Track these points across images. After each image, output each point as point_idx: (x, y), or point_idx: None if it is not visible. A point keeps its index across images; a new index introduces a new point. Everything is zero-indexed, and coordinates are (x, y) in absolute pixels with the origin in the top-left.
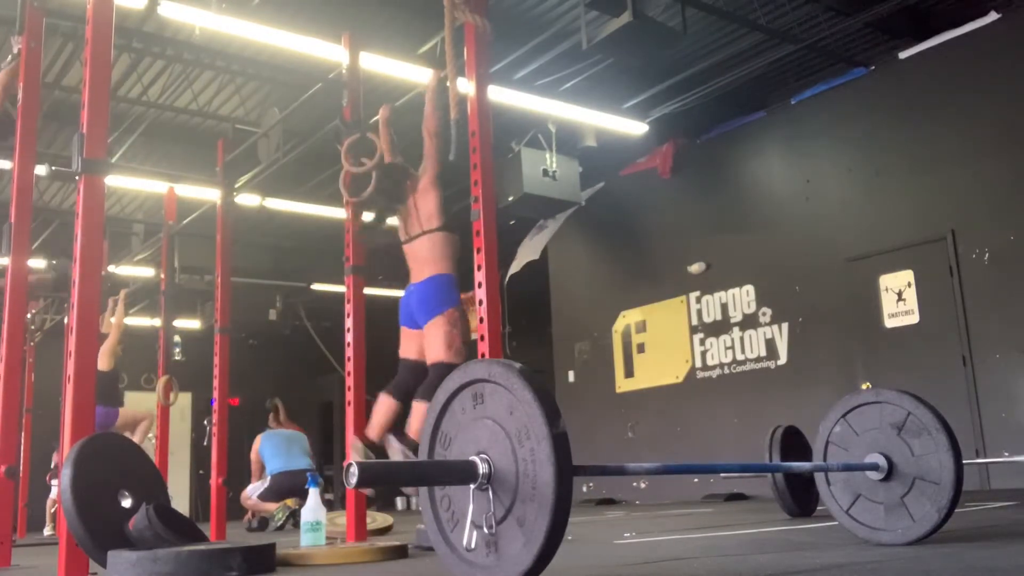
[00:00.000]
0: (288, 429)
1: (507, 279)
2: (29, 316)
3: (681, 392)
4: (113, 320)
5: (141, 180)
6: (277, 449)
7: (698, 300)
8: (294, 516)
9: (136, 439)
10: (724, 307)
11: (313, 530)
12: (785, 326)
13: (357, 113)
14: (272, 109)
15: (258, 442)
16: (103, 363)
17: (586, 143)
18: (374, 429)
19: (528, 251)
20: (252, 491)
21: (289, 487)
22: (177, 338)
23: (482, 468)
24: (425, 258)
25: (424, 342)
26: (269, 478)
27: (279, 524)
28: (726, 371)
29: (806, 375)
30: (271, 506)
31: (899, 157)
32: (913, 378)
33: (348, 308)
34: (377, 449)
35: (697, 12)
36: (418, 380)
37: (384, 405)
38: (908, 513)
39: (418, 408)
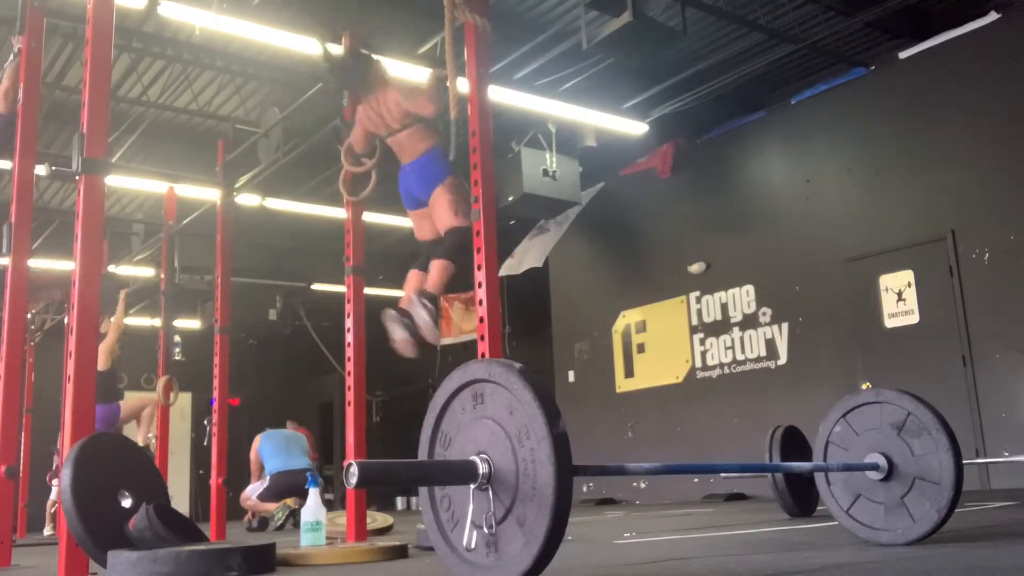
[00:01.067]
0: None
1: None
2: (29, 316)
3: (681, 392)
4: (112, 320)
5: (141, 180)
6: (276, 449)
7: (698, 300)
8: (294, 516)
9: (142, 426)
10: (724, 307)
11: (313, 530)
12: (785, 326)
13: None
14: (272, 109)
15: (257, 442)
16: (100, 362)
17: (586, 143)
18: (406, 298)
19: (530, 256)
20: (251, 491)
21: (288, 487)
22: (177, 338)
23: (482, 468)
24: (412, 144)
25: (432, 215)
26: (268, 478)
27: (279, 524)
28: (726, 371)
29: (806, 375)
30: (271, 506)
31: (899, 157)
32: (913, 378)
33: (348, 308)
34: (409, 315)
35: (697, 12)
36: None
37: (413, 276)
38: (908, 513)
39: (436, 264)
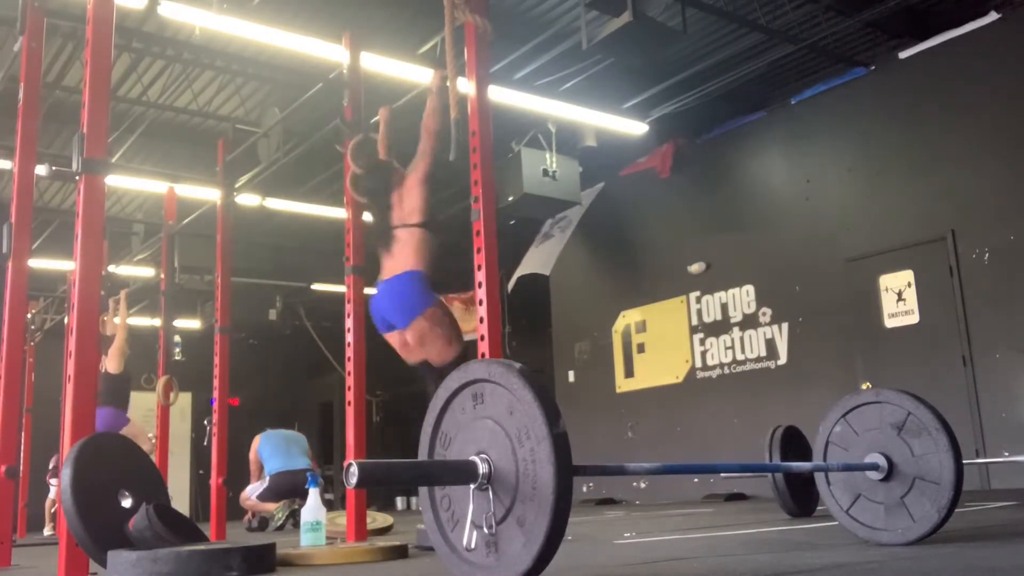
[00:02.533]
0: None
1: (511, 286)
2: (29, 316)
3: (681, 392)
4: (117, 321)
5: (141, 180)
6: (276, 449)
7: (698, 300)
8: (294, 516)
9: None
10: (724, 307)
11: (313, 530)
12: (785, 326)
13: (358, 113)
14: (272, 109)
15: (257, 442)
16: (113, 365)
17: (586, 143)
18: None
19: (538, 264)
20: (251, 491)
21: (288, 487)
22: (177, 338)
23: (482, 468)
24: (401, 251)
25: (417, 347)
26: (268, 478)
27: (279, 524)
28: (726, 371)
29: (806, 375)
30: (270, 506)
31: (899, 157)
32: (913, 378)
33: (348, 308)
34: None
35: (697, 12)
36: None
37: None
38: (908, 513)
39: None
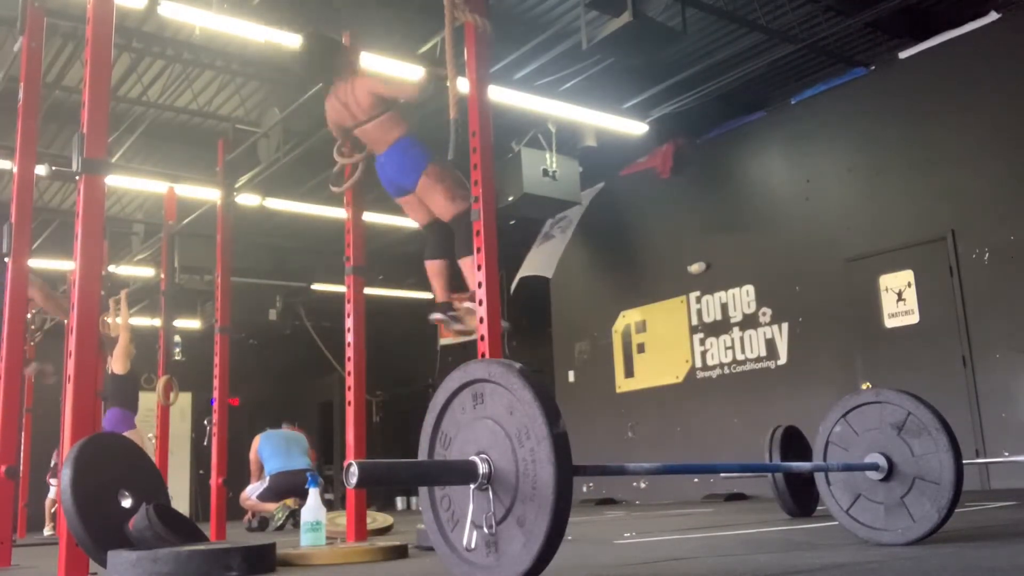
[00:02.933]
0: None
1: (513, 288)
2: (29, 316)
3: (681, 392)
4: (119, 321)
5: (141, 180)
6: (276, 449)
7: (698, 300)
8: (294, 516)
9: None
10: (724, 307)
11: (313, 530)
12: (785, 326)
13: None
14: (272, 109)
15: (257, 442)
16: (119, 366)
17: (586, 143)
18: (441, 292)
19: (540, 266)
20: (251, 491)
21: (288, 487)
22: (177, 338)
23: (482, 468)
24: (383, 133)
25: (429, 205)
26: (268, 478)
27: (279, 524)
28: (726, 371)
29: (806, 375)
30: (270, 506)
31: (899, 157)
32: (913, 378)
33: (348, 308)
34: (454, 309)
35: (697, 12)
36: (447, 235)
37: (436, 268)
38: (908, 513)
39: (465, 263)
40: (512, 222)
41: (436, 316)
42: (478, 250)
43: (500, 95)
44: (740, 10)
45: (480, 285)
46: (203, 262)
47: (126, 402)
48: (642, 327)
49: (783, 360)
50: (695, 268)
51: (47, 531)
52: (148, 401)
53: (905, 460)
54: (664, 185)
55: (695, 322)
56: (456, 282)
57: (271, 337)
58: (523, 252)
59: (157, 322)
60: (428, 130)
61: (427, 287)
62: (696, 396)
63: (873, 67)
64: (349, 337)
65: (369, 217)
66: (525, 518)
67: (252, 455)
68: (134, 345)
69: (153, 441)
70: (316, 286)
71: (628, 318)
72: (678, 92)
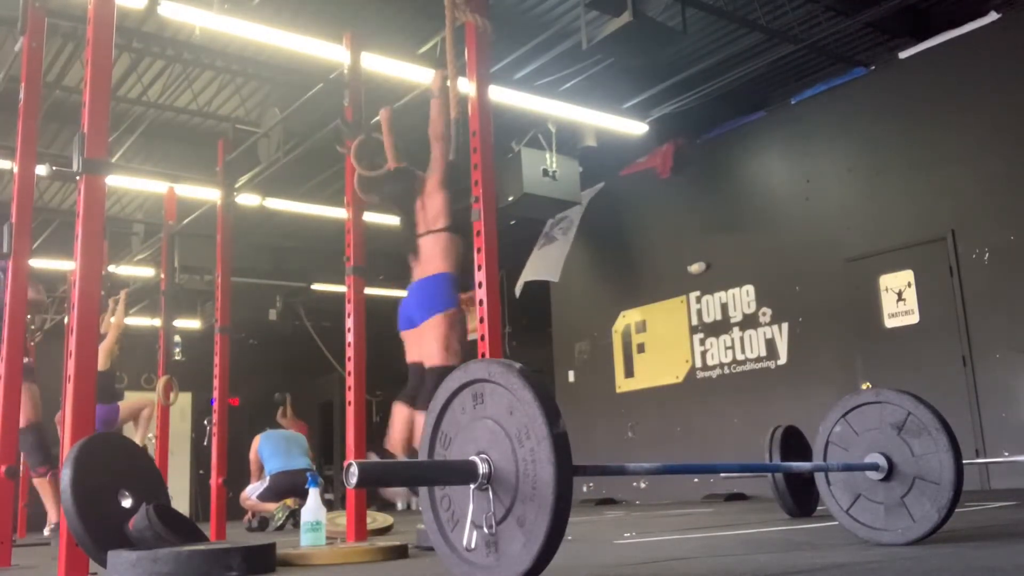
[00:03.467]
0: (292, 427)
1: (518, 291)
2: (29, 316)
3: (681, 392)
4: (113, 320)
5: (141, 180)
6: (276, 449)
7: (698, 300)
8: (294, 516)
9: (140, 427)
10: (724, 307)
11: (313, 530)
12: (785, 326)
13: (358, 113)
14: (272, 109)
15: (257, 442)
16: (100, 362)
17: (586, 143)
18: (397, 444)
19: (545, 270)
20: (251, 491)
21: (288, 487)
22: (177, 338)
23: (482, 468)
24: (429, 257)
25: (421, 342)
26: (268, 478)
27: (279, 524)
28: (726, 371)
29: (806, 375)
30: (271, 506)
31: (899, 157)
32: (913, 378)
33: (348, 308)
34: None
35: (697, 12)
36: (421, 384)
37: (400, 416)
38: (908, 513)
39: (420, 419)
40: (512, 222)
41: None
42: (478, 250)
43: (500, 95)
44: (740, 10)
45: (480, 285)
46: (203, 262)
47: (105, 396)
48: (642, 327)
49: (783, 360)
50: (695, 268)
51: (47, 531)
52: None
53: (905, 460)
54: (664, 185)
55: (695, 322)
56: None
57: (271, 337)
58: (523, 252)
59: (157, 322)
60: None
61: None
62: (696, 396)
63: (873, 67)
64: (349, 337)
65: (369, 217)
66: (525, 518)
67: (252, 455)
68: (120, 346)
69: (153, 441)
70: (316, 286)
71: (628, 318)
72: (678, 92)
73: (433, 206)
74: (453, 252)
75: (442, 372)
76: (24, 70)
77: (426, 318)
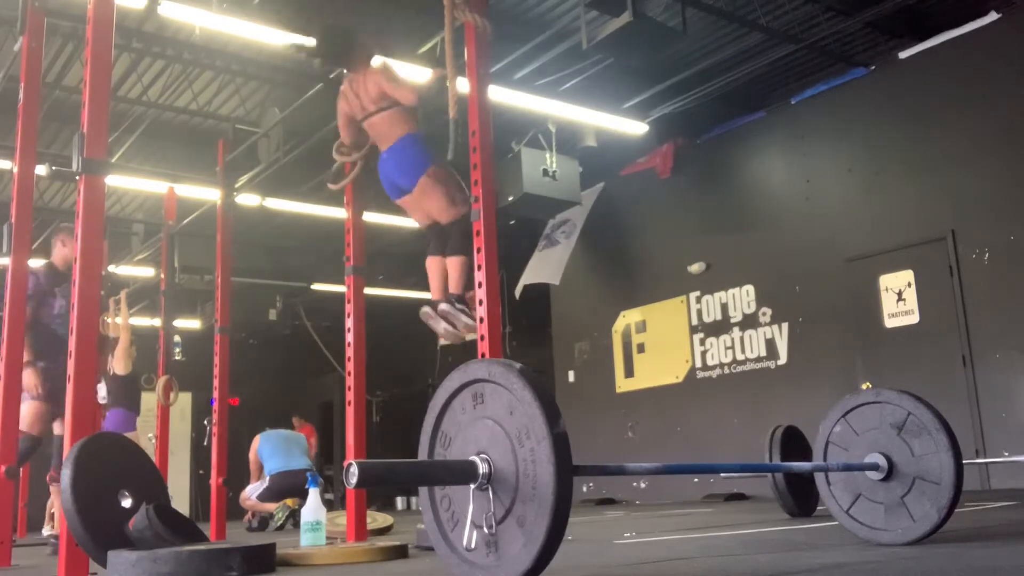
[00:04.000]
0: (301, 430)
1: (518, 293)
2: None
3: (681, 392)
4: (119, 322)
5: (141, 180)
6: (276, 449)
7: (698, 300)
8: (294, 516)
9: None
10: (724, 307)
11: (313, 530)
12: (785, 326)
13: None
14: (272, 109)
15: (257, 442)
16: (120, 367)
17: (586, 143)
18: (437, 291)
19: (546, 273)
20: (251, 491)
21: (288, 487)
22: (177, 338)
23: (482, 468)
24: (389, 128)
25: (424, 205)
26: (268, 478)
27: (279, 524)
28: (726, 371)
29: (806, 375)
30: (270, 506)
31: (899, 157)
32: (913, 378)
33: (348, 308)
34: (450, 320)
35: (697, 12)
36: (446, 235)
37: (435, 266)
38: (908, 513)
39: (452, 263)
40: (512, 222)
41: (435, 308)
42: (478, 250)
43: (500, 95)
44: (740, 10)
45: (480, 285)
46: (203, 262)
47: (129, 403)
48: (642, 327)
49: (783, 360)
50: (695, 268)
51: (46, 531)
52: (148, 401)
53: (905, 460)
54: (664, 185)
55: (695, 322)
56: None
57: (271, 337)
58: (523, 252)
59: (157, 322)
60: (429, 130)
61: (428, 287)
62: (696, 396)
63: (873, 67)
64: (349, 337)
65: (369, 217)
66: (525, 518)
67: (252, 455)
68: (135, 347)
69: (153, 441)
70: (316, 286)
71: (628, 318)
72: (678, 92)
73: (374, 89)
74: (409, 117)
75: (462, 220)
76: (24, 70)
77: (414, 183)
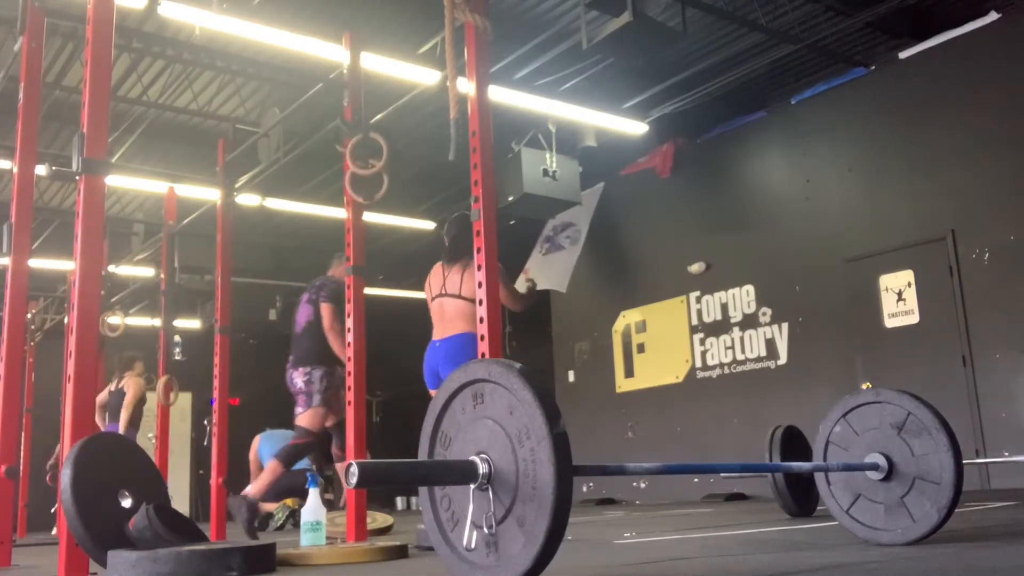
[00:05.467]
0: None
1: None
2: (29, 316)
3: (681, 392)
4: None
5: (141, 180)
6: (275, 448)
7: (698, 300)
8: (294, 516)
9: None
10: (724, 307)
11: (313, 530)
12: (785, 326)
13: (358, 113)
14: (272, 109)
15: (256, 442)
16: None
17: (586, 143)
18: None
19: (553, 279)
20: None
21: (288, 486)
22: (177, 338)
23: (482, 468)
24: (455, 317)
25: None
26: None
27: (279, 524)
28: (726, 371)
29: (806, 375)
30: (271, 506)
31: (899, 157)
32: (913, 378)
33: (348, 308)
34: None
35: (697, 12)
36: None
37: None
38: (908, 513)
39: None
40: (512, 222)
41: None
42: (478, 250)
43: (500, 95)
44: (740, 10)
45: (480, 285)
46: (203, 262)
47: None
48: (642, 327)
49: (783, 360)
50: (695, 268)
51: (55, 532)
52: (148, 401)
53: (905, 460)
54: (664, 185)
55: (695, 322)
56: None
57: (271, 337)
58: (523, 252)
59: (157, 322)
60: (429, 130)
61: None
62: (696, 396)
63: (873, 67)
64: (349, 337)
65: (369, 217)
66: (525, 518)
67: (252, 455)
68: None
69: (153, 441)
70: None
71: (628, 318)
72: (678, 92)
73: (469, 284)
74: (474, 318)
75: None
76: (24, 70)
77: None
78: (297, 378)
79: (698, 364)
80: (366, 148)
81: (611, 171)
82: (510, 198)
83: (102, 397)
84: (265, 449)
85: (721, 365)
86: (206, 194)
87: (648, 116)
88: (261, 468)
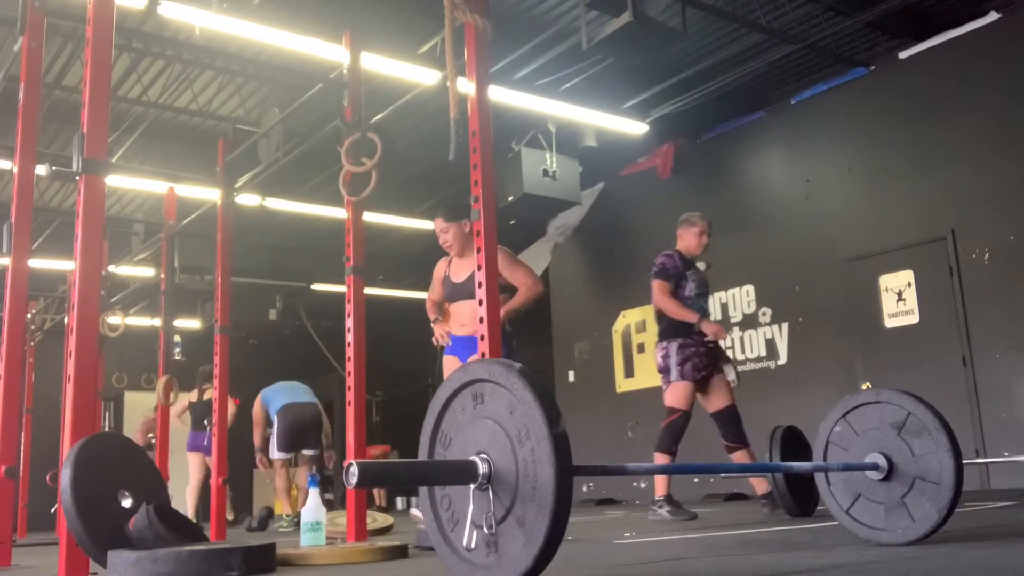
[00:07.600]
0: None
1: None
2: (29, 316)
3: None
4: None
5: (141, 180)
6: (279, 391)
7: None
8: (295, 517)
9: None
10: (724, 307)
11: (313, 530)
12: (785, 326)
13: (358, 113)
14: (272, 109)
15: (260, 396)
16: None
17: (586, 143)
18: None
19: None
20: (271, 450)
21: (298, 421)
22: (177, 338)
23: (482, 468)
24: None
25: None
26: (276, 418)
27: (279, 524)
28: None
29: (806, 375)
30: (285, 494)
31: (899, 157)
32: (913, 378)
33: (348, 308)
34: None
35: (697, 12)
36: None
37: None
38: (908, 513)
39: None
40: (512, 222)
41: None
42: (478, 250)
43: (500, 95)
44: (740, 10)
45: (480, 285)
46: (203, 262)
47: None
48: (642, 327)
49: (783, 360)
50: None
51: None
52: (148, 401)
53: (905, 460)
54: (664, 185)
55: None
56: None
57: (271, 337)
58: (523, 252)
59: (157, 322)
60: (429, 130)
61: (427, 287)
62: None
63: (873, 67)
64: (349, 337)
65: (369, 217)
66: (525, 518)
67: (256, 408)
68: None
69: (153, 441)
70: (316, 286)
71: (628, 318)
72: (678, 92)
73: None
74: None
75: None
76: (24, 70)
77: None
78: (657, 356)
79: None
80: (362, 147)
81: (611, 171)
82: (510, 198)
83: (180, 407)
84: (269, 394)
85: None
86: (206, 194)
87: (648, 116)
88: (264, 416)
